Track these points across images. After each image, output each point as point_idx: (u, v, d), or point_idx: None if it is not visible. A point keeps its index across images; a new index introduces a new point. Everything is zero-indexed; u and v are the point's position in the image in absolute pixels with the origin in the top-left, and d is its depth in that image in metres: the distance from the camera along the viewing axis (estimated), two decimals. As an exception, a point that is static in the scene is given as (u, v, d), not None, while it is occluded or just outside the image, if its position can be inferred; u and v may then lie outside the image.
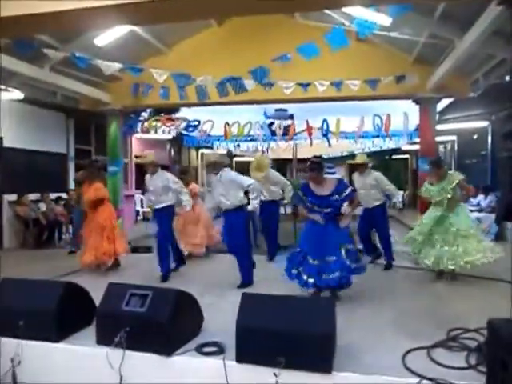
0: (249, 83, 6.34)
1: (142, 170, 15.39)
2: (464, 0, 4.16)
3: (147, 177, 6.04)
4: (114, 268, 6.35)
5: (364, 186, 6.22)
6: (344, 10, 5.81)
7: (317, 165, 4.48)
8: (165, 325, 3.15)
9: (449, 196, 5.30)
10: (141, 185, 14.14)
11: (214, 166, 5.36)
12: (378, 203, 6.27)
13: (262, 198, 6.54)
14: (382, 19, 5.15)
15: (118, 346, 3.14)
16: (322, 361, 2.87)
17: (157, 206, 5.89)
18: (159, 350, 3.14)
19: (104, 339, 3.27)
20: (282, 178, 7.06)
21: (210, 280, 5.48)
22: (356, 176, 6.49)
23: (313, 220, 4.57)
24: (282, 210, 15.04)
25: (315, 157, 4.62)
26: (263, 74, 6.06)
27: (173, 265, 6.07)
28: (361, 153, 7.08)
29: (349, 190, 4.55)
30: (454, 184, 5.28)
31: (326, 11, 6.53)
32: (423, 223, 5.53)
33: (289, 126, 9.43)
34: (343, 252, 4.41)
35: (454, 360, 3.04)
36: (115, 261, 6.39)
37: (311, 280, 4.39)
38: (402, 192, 17.86)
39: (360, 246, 6.14)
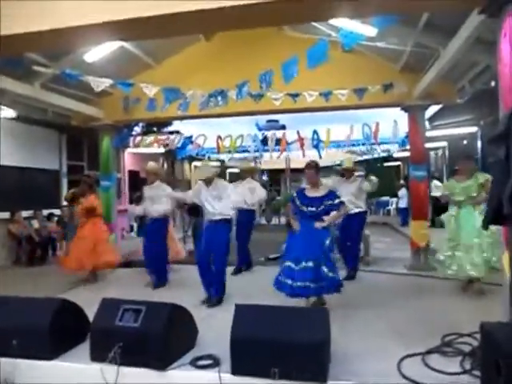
0: (233, 93, 6.46)
1: (135, 184, 15.34)
2: (446, 9, 4.25)
3: (145, 187, 6.33)
4: (91, 282, 6.46)
5: (347, 193, 6.10)
6: (331, 21, 5.91)
7: (313, 165, 4.76)
8: (159, 339, 3.14)
9: (474, 194, 5.04)
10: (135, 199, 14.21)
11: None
12: (357, 210, 6.25)
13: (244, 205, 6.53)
14: (368, 30, 5.23)
15: (112, 362, 3.13)
16: (317, 370, 2.87)
17: (152, 216, 6.14)
18: (154, 364, 3.13)
19: (98, 355, 3.25)
20: (262, 190, 7.10)
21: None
22: (341, 182, 6.49)
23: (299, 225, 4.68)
24: (275, 221, 15.15)
25: (311, 160, 4.92)
26: (246, 88, 6.20)
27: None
28: (347, 158, 6.97)
29: (337, 201, 4.69)
30: (480, 182, 5.02)
31: (314, 23, 6.65)
32: (451, 230, 5.25)
33: (280, 137, 9.49)
34: (323, 256, 4.38)
35: (448, 365, 3.06)
36: (94, 274, 6.56)
37: (289, 282, 4.35)
38: (395, 199, 17.96)
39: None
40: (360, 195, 6.32)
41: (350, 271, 6.17)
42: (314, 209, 4.59)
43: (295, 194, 4.88)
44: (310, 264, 4.28)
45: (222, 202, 5.08)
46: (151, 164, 6.40)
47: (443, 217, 5.51)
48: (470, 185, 5.16)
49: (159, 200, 6.07)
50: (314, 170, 4.73)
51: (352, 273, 6.17)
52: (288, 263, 4.44)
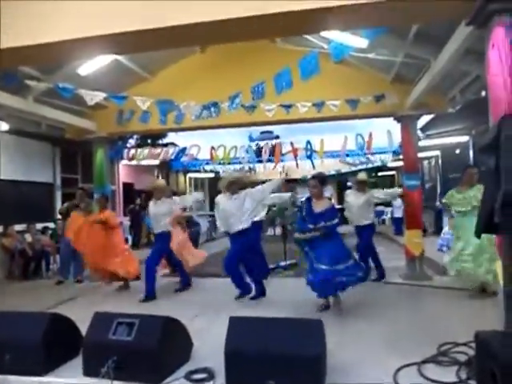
0: (226, 106, 6.53)
1: (129, 196, 15.30)
2: (433, 21, 4.31)
3: (151, 203, 6.46)
4: (124, 289, 6.70)
5: (358, 203, 6.42)
6: (322, 34, 5.99)
7: (319, 178, 4.88)
8: (153, 353, 3.11)
9: (475, 204, 4.88)
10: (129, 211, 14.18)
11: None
12: (367, 222, 6.47)
13: None
14: (359, 42, 5.30)
15: (105, 377, 3.07)
16: (313, 382, 2.85)
17: (157, 231, 6.34)
18: (148, 379, 3.09)
19: (91, 370, 3.20)
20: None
21: (198, 305, 5.42)
22: (351, 193, 6.69)
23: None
24: (271, 232, 15.11)
25: (318, 173, 5.13)
26: (238, 100, 6.29)
27: None
28: (361, 170, 7.44)
29: (330, 224, 4.74)
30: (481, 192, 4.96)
31: (306, 36, 6.73)
32: (458, 238, 5.33)
33: (274, 147, 9.53)
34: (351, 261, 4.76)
35: (444, 375, 3.04)
36: (126, 282, 6.75)
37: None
38: (390, 208, 18.00)
39: None
40: (369, 208, 6.54)
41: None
42: (323, 223, 4.73)
43: (304, 205, 4.96)
44: (341, 266, 4.62)
45: None
46: (159, 182, 6.83)
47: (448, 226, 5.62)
48: (470, 195, 5.17)
49: (161, 217, 6.26)
50: (319, 183, 4.83)
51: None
52: (320, 275, 4.62)
